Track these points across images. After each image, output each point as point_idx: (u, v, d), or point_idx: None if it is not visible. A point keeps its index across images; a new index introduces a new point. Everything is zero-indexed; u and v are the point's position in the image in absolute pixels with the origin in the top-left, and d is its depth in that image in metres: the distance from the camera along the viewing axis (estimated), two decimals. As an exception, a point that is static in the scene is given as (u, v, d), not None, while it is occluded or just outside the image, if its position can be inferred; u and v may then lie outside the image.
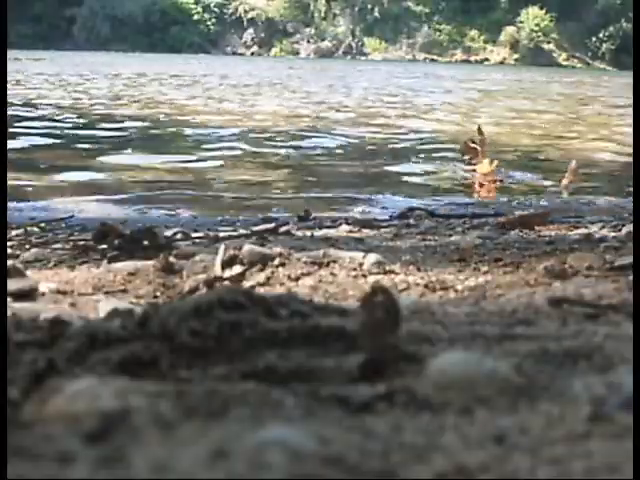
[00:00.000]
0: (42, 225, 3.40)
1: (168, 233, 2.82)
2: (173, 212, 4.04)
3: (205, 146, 7.00)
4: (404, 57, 71.27)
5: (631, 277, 1.65)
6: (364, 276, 1.84)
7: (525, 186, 5.26)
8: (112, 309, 1.11)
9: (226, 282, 1.79)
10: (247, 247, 1.97)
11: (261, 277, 1.84)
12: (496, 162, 5.43)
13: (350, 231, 3.13)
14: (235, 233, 2.97)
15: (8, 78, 13.74)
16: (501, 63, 68.71)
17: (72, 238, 2.89)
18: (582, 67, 68.13)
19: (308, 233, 2.92)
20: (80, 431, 0.69)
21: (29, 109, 9.91)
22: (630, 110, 8.25)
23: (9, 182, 4.03)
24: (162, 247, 2.22)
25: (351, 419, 0.76)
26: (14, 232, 3.07)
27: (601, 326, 1.15)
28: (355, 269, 1.88)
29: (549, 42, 71.51)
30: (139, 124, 8.69)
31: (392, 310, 0.91)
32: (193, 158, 6.15)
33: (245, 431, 0.69)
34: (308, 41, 74.70)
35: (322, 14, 74.07)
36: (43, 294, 1.71)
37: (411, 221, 3.61)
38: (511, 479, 0.63)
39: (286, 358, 0.90)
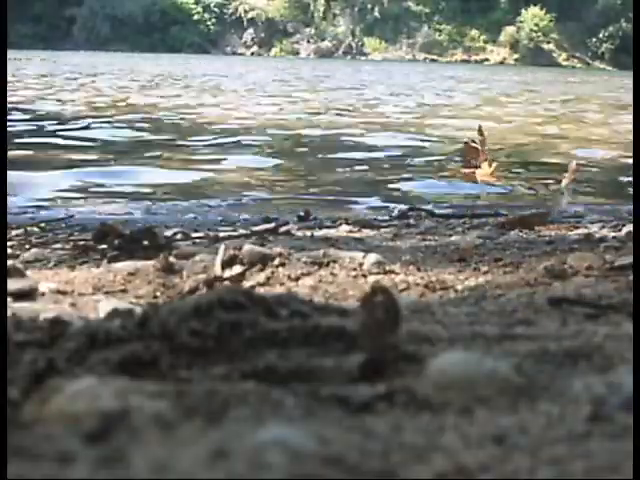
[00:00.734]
0: (42, 225, 3.39)
1: (168, 233, 2.82)
2: (173, 212, 4.05)
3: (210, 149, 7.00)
4: (404, 57, 71.27)
5: (631, 277, 1.65)
6: (364, 276, 1.84)
7: (525, 186, 5.26)
8: (112, 309, 1.11)
9: (226, 282, 1.79)
10: (247, 247, 1.97)
11: (261, 277, 1.84)
12: (495, 164, 5.43)
13: (350, 231, 3.13)
14: (235, 233, 2.97)
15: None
16: (501, 63, 68.71)
17: (72, 238, 2.89)
18: (582, 67, 68.13)
19: (308, 233, 2.92)
20: (80, 431, 0.69)
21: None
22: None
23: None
24: (162, 247, 2.22)
25: (351, 419, 0.76)
26: (14, 232, 3.07)
27: (601, 326, 1.15)
28: (355, 269, 1.88)
29: (549, 42, 71.51)
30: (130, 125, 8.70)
31: (392, 310, 0.91)
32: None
33: (245, 431, 0.69)
34: (308, 41, 74.69)
35: (322, 14, 74.06)
36: (43, 294, 1.71)
37: (411, 221, 3.61)
38: (511, 479, 0.63)
39: (286, 358, 0.90)
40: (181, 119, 9.43)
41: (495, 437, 0.71)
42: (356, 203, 4.46)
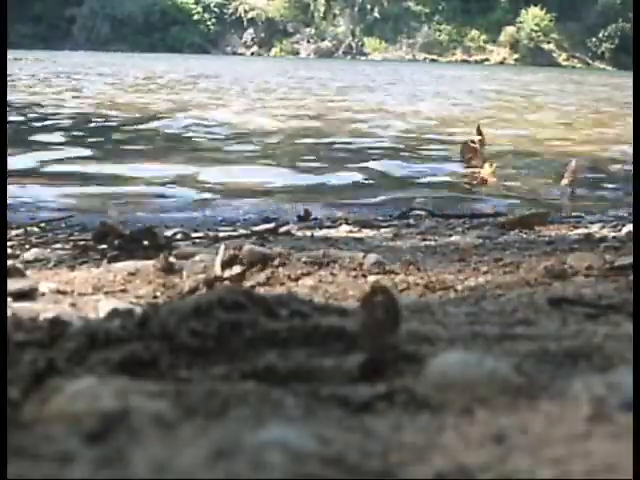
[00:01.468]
0: (42, 225, 3.40)
1: (168, 233, 2.82)
2: (173, 212, 4.05)
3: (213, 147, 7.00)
4: (404, 57, 71.27)
5: (631, 277, 1.65)
6: (364, 276, 1.84)
7: (525, 186, 5.26)
8: (112, 309, 1.11)
9: (226, 282, 1.79)
10: (247, 247, 1.98)
11: (261, 277, 1.84)
12: (495, 164, 5.44)
13: (350, 231, 3.13)
14: (235, 233, 2.97)
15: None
16: (501, 63, 68.73)
17: (72, 238, 2.89)
18: (582, 67, 68.13)
19: (308, 233, 2.92)
20: (80, 431, 0.69)
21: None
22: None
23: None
24: (162, 247, 2.22)
25: (351, 419, 0.76)
26: (14, 232, 3.07)
27: (601, 326, 1.15)
28: (355, 269, 1.88)
29: (549, 42, 71.52)
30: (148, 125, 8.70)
31: (392, 310, 0.91)
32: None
33: (245, 431, 0.69)
34: (308, 41, 74.69)
35: (322, 14, 74.06)
36: (43, 294, 1.71)
37: (411, 221, 3.61)
38: (511, 479, 0.63)
39: (286, 358, 0.90)
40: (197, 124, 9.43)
41: (495, 437, 0.71)
42: (356, 203, 4.46)
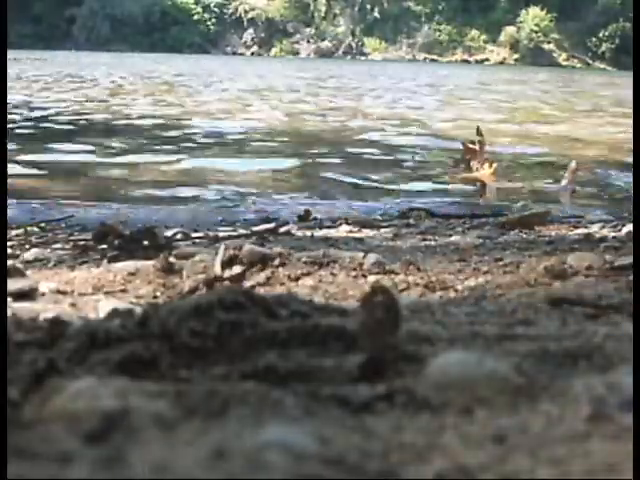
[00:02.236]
0: (42, 225, 3.39)
1: (168, 233, 2.82)
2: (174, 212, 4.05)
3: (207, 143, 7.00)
4: (404, 57, 71.28)
5: (631, 277, 1.65)
6: (364, 276, 1.84)
7: (525, 186, 5.26)
8: (112, 309, 1.11)
9: (226, 282, 1.79)
10: (247, 247, 1.98)
11: (261, 277, 1.84)
12: (495, 164, 5.43)
13: (350, 231, 3.13)
14: (235, 233, 2.97)
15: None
16: (501, 63, 68.75)
17: (72, 238, 2.89)
18: (582, 67, 68.14)
19: (308, 233, 2.92)
20: (80, 431, 0.69)
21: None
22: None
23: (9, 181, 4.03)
24: (162, 247, 2.22)
25: (351, 419, 0.76)
26: (14, 232, 3.07)
27: (601, 326, 1.15)
28: (355, 269, 1.88)
29: (549, 42, 71.53)
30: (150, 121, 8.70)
31: (392, 310, 0.91)
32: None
33: (245, 431, 0.69)
34: (308, 41, 74.70)
35: (322, 14, 74.06)
36: (43, 294, 1.71)
37: (411, 221, 3.61)
38: (511, 479, 0.63)
39: (286, 358, 0.90)
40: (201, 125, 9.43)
41: (495, 437, 0.71)
42: (356, 203, 4.46)
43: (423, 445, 0.69)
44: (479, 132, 5.57)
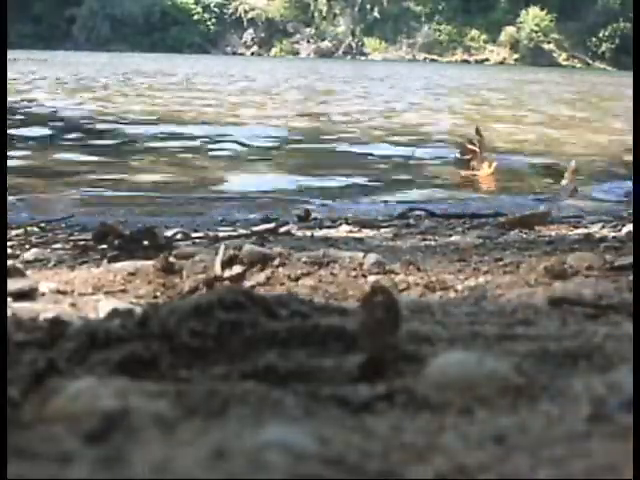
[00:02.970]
0: (42, 225, 3.39)
1: (168, 233, 2.82)
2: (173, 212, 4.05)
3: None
4: (404, 57, 71.27)
5: (631, 277, 1.65)
6: (364, 276, 1.84)
7: (525, 186, 5.26)
8: (112, 309, 1.11)
9: (226, 282, 1.79)
10: (247, 247, 1.98)
11: (261, 277, 1.84)
12: (495, 164, 5.44)
13: (350, 231, 3.13)
14: (235, 233, 2.97)
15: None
16: (501, 63, 68.75)
17: (72, 238, 2.89)
18: (582, 67, 68.14)
19: (308, 233, 2.92)
20: (80, 431, 0.69)
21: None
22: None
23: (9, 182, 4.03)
24: (162, 247, 2.22)
25: (351, 419, 0.76)
26: (14, 232, 3.07)
27: (601, 326, 1.15)
28: (355, 269, 1.88)
29: (549, 42, 71.52)
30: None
31: (392, 310, 0.91)
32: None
33: (245, 431, 0.69)
34: (308, 41, 74.69)
35: (322, 14, 74.06)
36: (43, 294, 1.70)
37: (411, 221, 3.61)
38: (511, 479, 0.63)
39: (286, 358, 0.90)
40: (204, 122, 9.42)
41: (495, 437, 0.71)
42: (356, 203, 4.46)
43: (423, 445, 0.69)
44: (478, 132, 5.58)
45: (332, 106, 12.19)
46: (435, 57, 71.30)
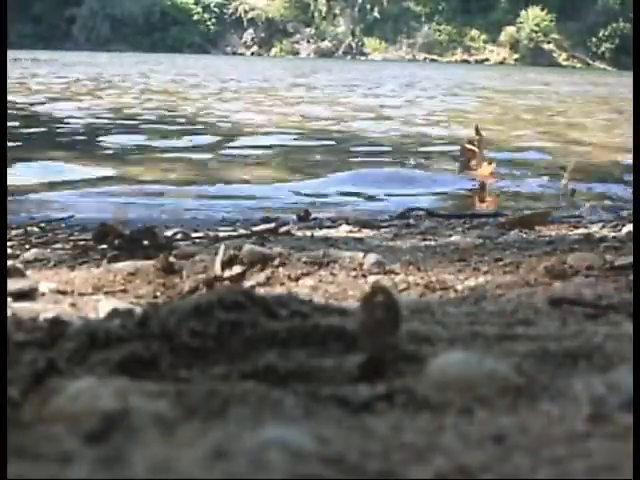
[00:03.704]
0: (42, 225, 3.39)
1: (168, 233, 2.82)
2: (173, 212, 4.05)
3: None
4: (404, 57, 71.27)
5: (631, 277, 1.65)
6: (364, 276, 1.84)
7: (525, 186, 5.26)
8: (112, 309, 1.11)
9: (226, 282, 1.79)
10: (247, 247, 1.98)
11: (261, 277, 1.84)
12: (495, 163, 5.44)
13: (350, 231, 3.13)
14: (235, 233, 2.97)
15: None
16: (501, 63, 68.75)
17: (72, 238, 2.89)
18: (582, 67, 68.14)
19: (308, 233, 2.92)
20: (80, 431, 0.69)
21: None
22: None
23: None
24: (162, 247, 2.22)
25: (351, 419, 0.76)
26: (14, 232, 3.07)
27: (601, 326, 1.15)
28: (355, 269, 1.88)
29: (549, 42, 71.53)
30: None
31: (392, 310, 0.91)
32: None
33: (245, 431, 0.69)
34: (308, 41, 74.69)
35: (322, 14, 74.06)
36: (43, 294, 1.70)
37: (411, 221, 3.61)
38: (511, 479, 0.63)
39: (286, 358, 0.90)
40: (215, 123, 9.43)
41: (495, 437, 0.71)
42: (356, 203, 4.46)
43: (423, 445, 0.69)
44: (477, 131, 5.58)
45: (346, 110, 12.17)
46: (435, 57, 71.29)
